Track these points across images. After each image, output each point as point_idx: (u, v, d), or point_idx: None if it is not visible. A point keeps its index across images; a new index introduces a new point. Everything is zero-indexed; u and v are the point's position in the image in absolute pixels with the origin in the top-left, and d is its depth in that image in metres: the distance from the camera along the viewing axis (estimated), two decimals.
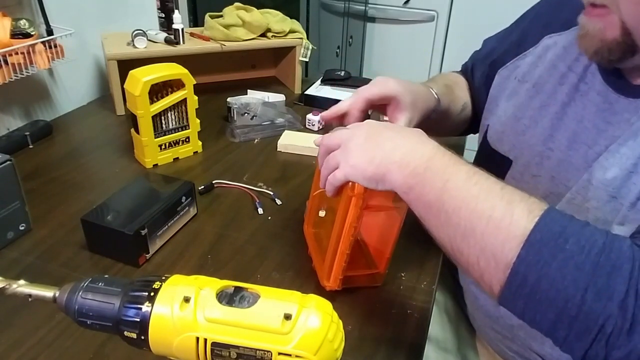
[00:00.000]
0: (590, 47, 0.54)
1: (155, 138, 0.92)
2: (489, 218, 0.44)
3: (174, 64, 0.93)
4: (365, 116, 0.69)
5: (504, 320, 0.68)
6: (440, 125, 0.80)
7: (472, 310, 0.79)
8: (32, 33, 0.95)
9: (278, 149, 1.03)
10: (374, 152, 0.53)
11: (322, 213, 0.71)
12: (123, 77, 0.95)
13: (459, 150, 1.07)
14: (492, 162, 0.69)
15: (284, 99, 1.18)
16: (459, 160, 0.50)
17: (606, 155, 0.54)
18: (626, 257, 0.40)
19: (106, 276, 0.41)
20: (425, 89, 0.74)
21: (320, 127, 1.12)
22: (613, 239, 0.42)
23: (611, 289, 0.39)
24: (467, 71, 0.86)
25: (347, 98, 0.68)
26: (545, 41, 0.66)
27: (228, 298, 0.39)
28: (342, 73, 1.32)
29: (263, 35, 1.24)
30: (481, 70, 0.81)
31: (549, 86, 0.63)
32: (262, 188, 0.88)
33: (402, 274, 0.69)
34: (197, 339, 0.38)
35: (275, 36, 1.25)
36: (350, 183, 0.55)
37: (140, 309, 0.38)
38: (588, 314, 0.39)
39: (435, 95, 0.74)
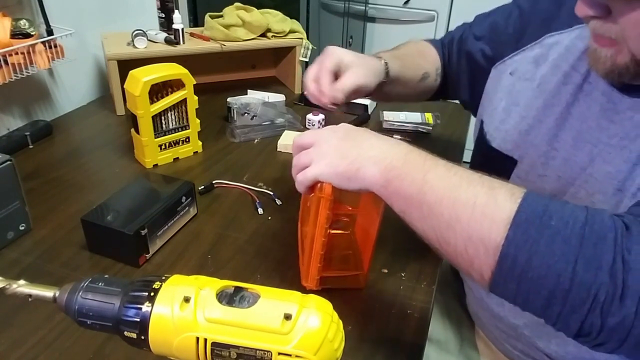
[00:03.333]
0: (601, 69, 0.54)
1: (155, 138, 0.92)
2: (474, 205, 0.45)
3: (174, 64, 0.93)
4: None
5: (508, 320, 0.69)
6: (399, 91, 0.84)
7: (476, 309, 0.79)
8: (32, 33, 0.95)
9: (278, 149, 1.03)
10: (348, 150, 0.54)
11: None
12: (123, 77, 0.95)
13: (459, 150, 1.08)
14: (494, 162, 0.69)
15: (284, 99, 1.18)
16: (434, 157, 0.51)
17: (609, 150, 0.55)
18: (608, 227, 0.41)
19: (106, 276, 0.41)
20: (370, 56, 0.78)
21: (320, 127, 1.12)
22: (594, 212, 0.43)
23: (599, 258, 0.40)
24: (452, 42, 0.85)
25: (313, 76, 0.76)
26: (547, 40, 0.66)
27: (228, 298, 0.39)
28: None
29: (263, 35, 1.24)
30: (471, 48, 0.80)
31: (553, 86, 0.63)
32: (262, 188, 0.88)
33: (402, 274, 0.69)
34: (197, 339, 0.38)
35: (275, 36, 1.25)
36: (319, 184, 0.55)
37: (140, 309, 0.38)
38: (580, 285, 0.40)
39: (382, 61, 0.77)
